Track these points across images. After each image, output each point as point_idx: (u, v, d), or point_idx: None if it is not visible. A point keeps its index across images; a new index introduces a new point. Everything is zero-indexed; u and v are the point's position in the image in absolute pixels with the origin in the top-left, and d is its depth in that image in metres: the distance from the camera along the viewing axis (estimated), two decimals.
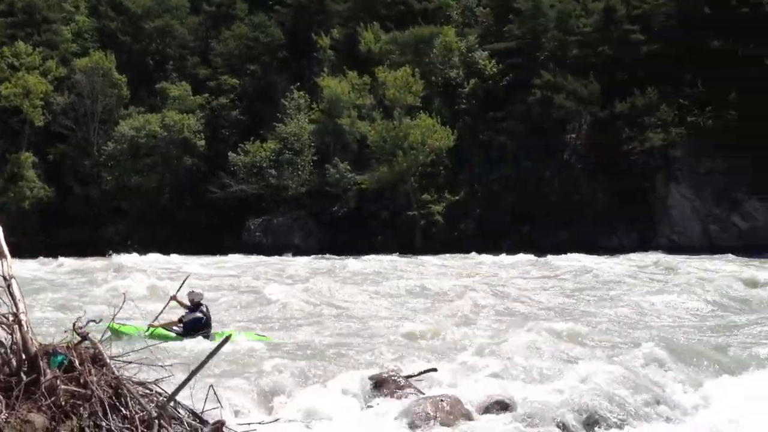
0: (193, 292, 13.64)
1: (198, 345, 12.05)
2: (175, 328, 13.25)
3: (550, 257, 32.76)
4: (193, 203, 52.54)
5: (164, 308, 13.45)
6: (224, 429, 5.52)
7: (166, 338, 12.72)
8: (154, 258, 35.39)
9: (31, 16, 56.60)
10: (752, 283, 20.33)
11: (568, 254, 34.38)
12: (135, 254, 37.27)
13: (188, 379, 5.31)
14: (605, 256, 33.31)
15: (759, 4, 43.48)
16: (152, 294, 19.14)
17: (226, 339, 5.56)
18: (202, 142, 53.49)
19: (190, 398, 5.64)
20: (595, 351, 11.42)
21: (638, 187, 45.30)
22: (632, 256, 34.33)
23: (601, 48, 48.02)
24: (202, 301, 13.54)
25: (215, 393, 5.69)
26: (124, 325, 12.92)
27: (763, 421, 7.92)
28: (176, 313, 13.58)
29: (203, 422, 5.52)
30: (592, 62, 48.05)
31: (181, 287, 13.99)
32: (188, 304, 13.48)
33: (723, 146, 42.22)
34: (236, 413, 7.78)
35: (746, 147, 40.65)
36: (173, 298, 13.60)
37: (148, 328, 12.89)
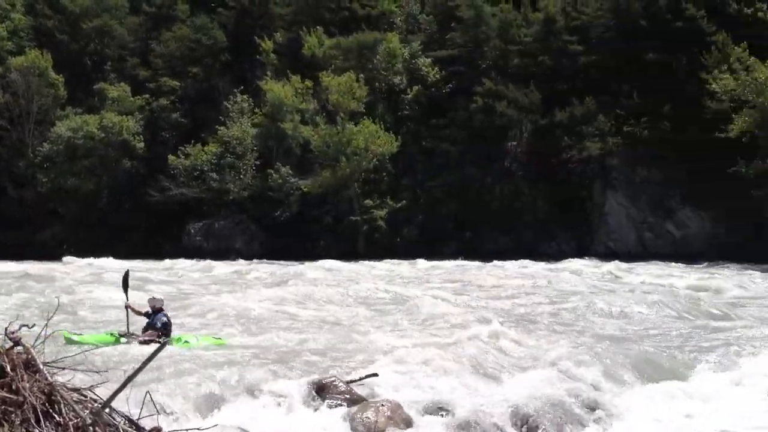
0: (153, 298, 13.41)
1: (137, 350, 11.80)
2: (146, 337, 12.88)
3: (497, 263, 33.13)
4: (131, 206, 51.65)
5: (128, 319, 13.14)
6: None
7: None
8: (104, 262, 34.67)
9: None
10: (697, 291, 20.87)
11: (519, 261, 34.88)
12: (85, 259, 36.57)
13: (124, 385, 5.21)
14: (552, 263, 33.89)
15: (693, 18, 44.78)
16: (106, 299, 18.65)
17: (163, 345, 5.47)
18: (142, 145, 52.61)
19: (127, 405, 5.54)
20: (538, 356, 11.58)
21: (576, 195, 46.20)
22: (581, 262, 34.97)
23: (541, 58, 48.90)
24: (163, 307, 13.31)
25: (152, 399, 5.60)
26: (80, 335, 12.52)
27: (689, 423, 8.15)
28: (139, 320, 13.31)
29: (140, 429, 5.42)
30: (533, 72, 48.88)
31: (126, 289, 13.71)
32: (142, 311, 13.20)
33: (658, 157, 43.44)
34: (175, 419, 7.67)
35: (680, 159, 41.87)
36: (128, 306, 13.29)
37: (119, 338, 12.57)
